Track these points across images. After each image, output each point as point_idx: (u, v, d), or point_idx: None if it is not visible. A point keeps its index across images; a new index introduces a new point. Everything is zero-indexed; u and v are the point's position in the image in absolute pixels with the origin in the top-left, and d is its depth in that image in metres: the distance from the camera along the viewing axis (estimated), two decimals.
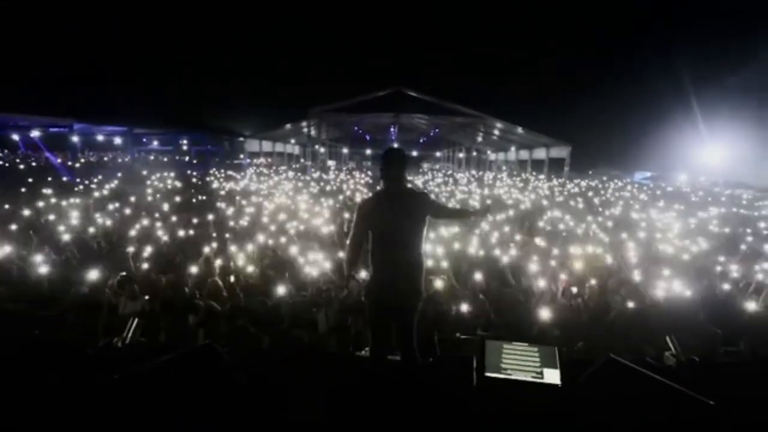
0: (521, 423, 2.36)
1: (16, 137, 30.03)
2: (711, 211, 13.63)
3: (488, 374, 2.53)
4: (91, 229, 8.13)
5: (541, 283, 5.63)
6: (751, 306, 4.78)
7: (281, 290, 5.34)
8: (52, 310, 4.70)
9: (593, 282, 5.76)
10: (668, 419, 2.13)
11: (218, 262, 6.38)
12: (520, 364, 2.54)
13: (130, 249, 6.66)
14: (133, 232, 7.98)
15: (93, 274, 5.34)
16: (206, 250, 6.85)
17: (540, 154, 34.67)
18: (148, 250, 6.86)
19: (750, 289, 5.58)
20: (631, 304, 5.06)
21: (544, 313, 4.66)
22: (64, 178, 17.96)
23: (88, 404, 2.28)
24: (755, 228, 10.73)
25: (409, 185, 3.14)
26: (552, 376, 2.47)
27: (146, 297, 5.20)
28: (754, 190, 26.66)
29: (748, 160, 29.36)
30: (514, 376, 2.51)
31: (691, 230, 9.92)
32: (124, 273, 5.94)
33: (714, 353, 4.07)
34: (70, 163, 26.12)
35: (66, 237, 7.47)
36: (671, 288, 5.45)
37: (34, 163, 27.13)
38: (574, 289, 5.57)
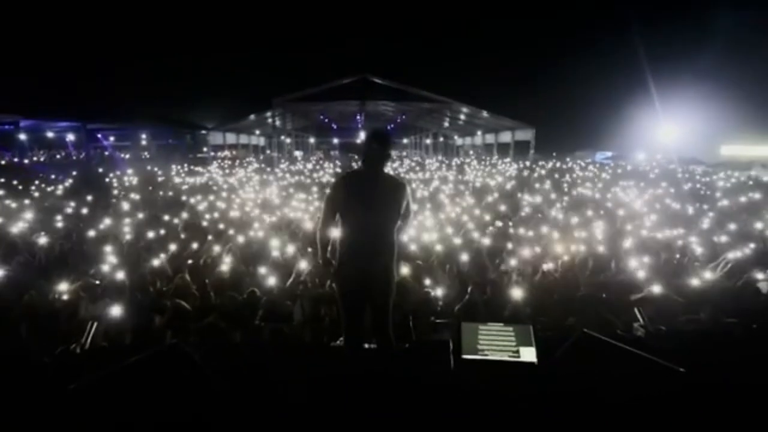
0: (500, 403, 2.36)
1: None
2: (667, 187, 14.20)
3: (465, 356, 2.52)
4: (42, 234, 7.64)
5: (515, 264, 5.71)
6: (710, 276, 4.98)
7: (252, 284, 5.20)
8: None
9: (564, 259, 5.89)
10: (642, 388, 2.17)
11: (188, 260, 6.16)
12: (496, 344, 2.54)
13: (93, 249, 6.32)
14: (92, 233, 7.58)
15: (51, 279, 5.05)
16: (173, 247, 6.60)
17: (505, 137, 35.20)
18: (110, 250, 6.53)
19: (717, 263, 5.82)
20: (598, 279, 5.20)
21: (517, 293, 4.72)
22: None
23: (41, 418, 2.12)
24: (711, 203, 11.27)
25: (388, 171, 3.01)
26: (528, 354, 2.49)
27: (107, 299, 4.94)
28: (705, 165, 28.04)
29: (700, 138, 30.84)
30: (491, 357, 2.51)
31: (652, 207, 10.31)
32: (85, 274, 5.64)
33: (677, 322, 4.24)
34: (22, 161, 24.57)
35: (21, 240, 7.03)
36: (635, 262, 5.63)
37: None
38: (546, 267, 5.67)
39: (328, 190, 2.93)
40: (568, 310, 4.75)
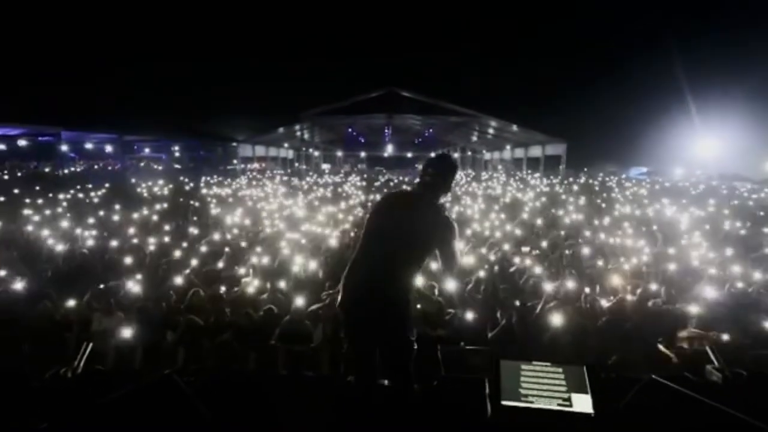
0: None
1: (3, 147, 29.47)
2: (718, 206, 13.22)
3: (505, 402, 2.10)
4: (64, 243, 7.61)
5: (552, 289, 5.23)
6: None
7: (271, 302, 4.91)
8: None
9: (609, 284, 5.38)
10: None
11: (207, 275, 5.96)
12: (542, 388, 2.12)
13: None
14: (115, 243, 7.52)
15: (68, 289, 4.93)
16: (193, 260, 6.42)
17: (536, 152, 34.38)
18: (129, 262, 6.41)
19: None
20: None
21: (557, 319, 4.26)
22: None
23: None
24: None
25: (441, 203, 2.52)
26: (583, 403, 2.05)
27: (120, 313, 4.75)
28: (751, 182, 26.47)
29: (743, 153, 29.25)
30: (537, 404, 2.09)
31: (706, 230, 9.47)
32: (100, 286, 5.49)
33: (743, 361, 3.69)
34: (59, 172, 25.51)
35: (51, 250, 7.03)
36: (698, 292, 5.06)
37: (19, 173, 26.50)
38: (588, 293, 5.17)
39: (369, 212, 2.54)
40: (614, 343, 4.26)
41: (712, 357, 2.57)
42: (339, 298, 2.41)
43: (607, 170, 34.54)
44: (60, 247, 7.11)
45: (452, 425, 2.14)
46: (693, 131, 27.57)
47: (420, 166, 2.50)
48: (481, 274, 5.65)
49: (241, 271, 6.28)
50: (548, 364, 2.21)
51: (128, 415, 2.00)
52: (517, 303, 4.71)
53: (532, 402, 2.09)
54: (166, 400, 2.06)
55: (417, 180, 2.49)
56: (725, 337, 3.95)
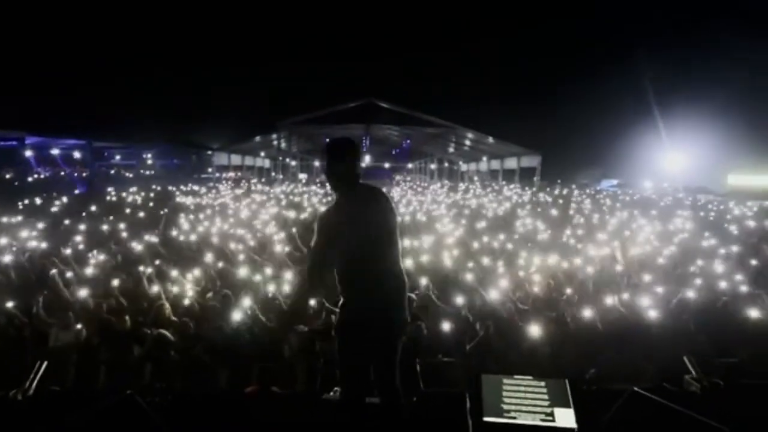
0: None
1: None
2: (681, 217, 13.70)
3: (487, 419, 2.04)
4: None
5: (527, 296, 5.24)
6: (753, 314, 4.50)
7: (239, 315, 4.71)
8: None
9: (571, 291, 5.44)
10: None
11: (169, 285, 5.68)
12: (525, 403, 2.07)
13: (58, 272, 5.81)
14: (68, 252, 7.11)
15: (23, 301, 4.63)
16: (153, 270, 6.11)
17: (511, 163, 35.05)
18: (87, 272, 6.09)
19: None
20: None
21: (533, 329, 4.24)
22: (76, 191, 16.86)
23: None
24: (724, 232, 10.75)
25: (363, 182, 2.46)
26: (566, 418, 2.01)
27: (80, 326, 4.48)
28: (713, 194, 27.61)
29: (707, 167, 30.56)
30: (520, 420, 2.03)
31: (669, 237, 9.79)
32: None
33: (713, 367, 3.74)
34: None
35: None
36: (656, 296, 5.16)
37: None
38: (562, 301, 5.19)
39: (315, 226, 2.34)
40: (588, 353, 4.27)
41: (690, 367, 2.57)
42: (342, 315, 2.31)
43: (579, 182, 35.44)
44: (8, 258, 6.66)
45: None
46: (661, 145, 28.65)
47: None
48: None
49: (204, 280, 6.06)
50: (530, 378, 2.16)
51: None
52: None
53: (514, 417, 2.03)
54: (126, 423, 1.91)
55: (332, 176, 2.39)
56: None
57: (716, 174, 32.35)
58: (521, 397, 2.08)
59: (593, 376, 3.27)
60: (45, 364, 2.43)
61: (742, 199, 21.49)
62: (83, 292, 5.19)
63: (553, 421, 2.01)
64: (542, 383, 2.11)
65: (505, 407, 2.06)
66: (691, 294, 5.28)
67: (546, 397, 2.07)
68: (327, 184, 2.49)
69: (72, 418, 1.94)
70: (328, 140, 2.49)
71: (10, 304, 4.51)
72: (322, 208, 2.29)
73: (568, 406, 2.04)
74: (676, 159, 28.72)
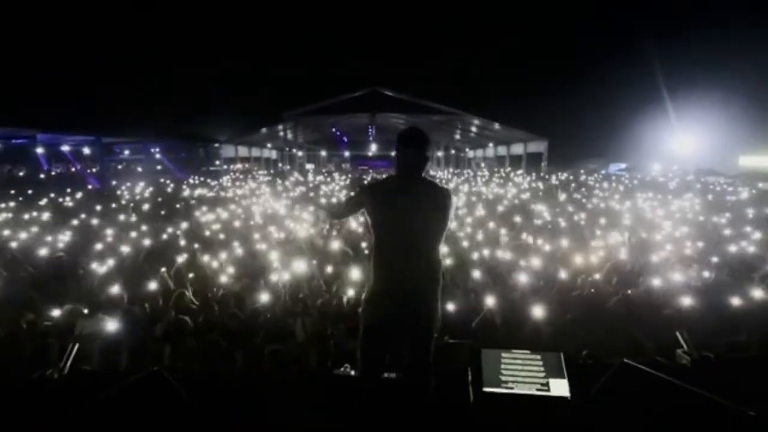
0: None
1: None
2: (690, 198, 13.68)
3: (486, 389, 2.19)
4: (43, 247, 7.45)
5: (532, 278, 5.37)
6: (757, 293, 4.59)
7: (255, 301, 4.93)
8: None
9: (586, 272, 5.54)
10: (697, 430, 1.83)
11: (189, 274, 5.93)
12: (522, 375, 2.22)
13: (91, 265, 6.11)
14: (97, 246, 7.40)
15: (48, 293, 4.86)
16: (177, 260, 6.38)
17: (518, 149, 34.84)
18: (110, 264, 6.34)
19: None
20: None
21: (537, 311, 4.37)
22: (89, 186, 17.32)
23: None
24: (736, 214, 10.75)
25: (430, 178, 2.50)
26: (560, 388, 2.15)
27: (104, 315, 4.71)
28: (724, 177, 27.29)
29: (718, 149, 30.13)
30: (517, 390, 2.18)
31: (676, 219, 9.83)
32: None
33: (716, 345, 3.85)
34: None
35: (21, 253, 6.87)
36: (665, 277, 5.25)
37: None
38: (566, 281, 5.32)
39: (360, 192, 2.48)
40: (593, 330, 4.40)
41: (682, 341, 2.69)
42: (367, 294, 2.41)
43: (587, 167, 35.19)
44: (42, 252, 6.97)
45: (436, 412, 2.21)
46: (670, 128, 28.28)
47: (399, 146, 2.40)
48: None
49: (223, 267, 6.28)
50: (527, 351, 2.30)
51: (119, 410, 2.02)
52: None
53: (512, 388, 2.19)
54: (155, 397, 2.09)
55: (402, 163, 2.41)
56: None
57: (727, 156, 31.91)
58: (518, 369, 2.23)
59: (589, 350, 3.40)
60: (77, 345, 2.62)
61: (753, 181, 21.29)
62: (106, 283, 5.43)
63: (548, 390, 2.16)
64: (538, 356, 2.26)
65: (504, 378, 2.21)
66: (705, 274, 5.38)
67: (542, 368, 2.22)
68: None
69: (105, 392, 2.12)
70: (404, 130, 2.48)
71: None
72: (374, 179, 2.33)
73: (563, 377, 2.18)
74: (685, 141, 28.31)
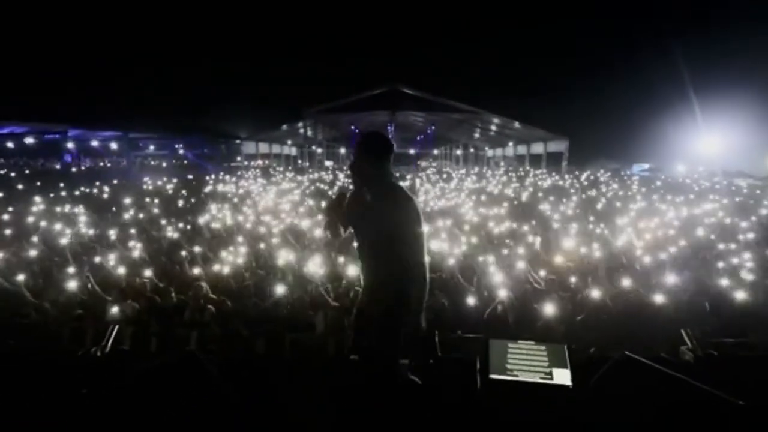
0: (530, 428, 2.18)
1: (10, 145, 29.79)
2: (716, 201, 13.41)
3: (492, 376, 2.34)
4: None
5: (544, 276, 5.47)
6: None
7: (275, 292, 5.15)
8: (30, 317, 4.50)
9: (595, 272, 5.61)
10: (693, 423, 1.94)
11: (209, 265, 6.21)
12: (527, 364, 2.35)
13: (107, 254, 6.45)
14: (114, 236, 7.78)
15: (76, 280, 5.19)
16: (195, 251, 6.67)
17: (538, 148, 34.48)
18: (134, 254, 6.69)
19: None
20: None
21: (549, 308, 4.48)
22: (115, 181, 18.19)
23: (57, 421, 2.09)
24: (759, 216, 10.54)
25: (394, 182, 2.51)
26: (562, 377, 2.29)
27: (131, 301, 5.00)
28: (753, 179, 26.49)
29: (745, 149, 29.22)
30: (521, 378, 2.32)
31: (694, 221, 9.72)
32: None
33: (724, 346, 3.89)
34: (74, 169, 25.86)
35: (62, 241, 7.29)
36: (670, 278, 5.29)
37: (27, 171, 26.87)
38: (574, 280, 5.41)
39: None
40: (602, 330, 4.48)
41: (686, 339, 2.78)
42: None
43: (609, 167, 34.59)
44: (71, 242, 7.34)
45: (447, 396, 2.37)
46: (695, 128, 27.53)
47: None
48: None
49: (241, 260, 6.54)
50: (533, 342, 2.44)
51: (156, 388, 2.23)
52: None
53: (516, 375, 2.33)
54: (188, 377, 2.29)
55: (360, 170, 2.50)
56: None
57: (755, 157, 30.91)
58: (524, 358, 2.37)
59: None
60: (117, 327, 2.86)
61: None
62: (132, 273, 5.75)
63: (551, 379, 2.29)
64: (543, 347, 2.39)
65: (509, 367, 2.35)
66: (708, 277, 5.39)
67: (546, 358, 2.35)
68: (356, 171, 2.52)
69: (142, 371, 2.33)
70: (358, 132, 2.63)
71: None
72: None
73: (566, 367, 2.31)
74: (711, 142, 27.52)
